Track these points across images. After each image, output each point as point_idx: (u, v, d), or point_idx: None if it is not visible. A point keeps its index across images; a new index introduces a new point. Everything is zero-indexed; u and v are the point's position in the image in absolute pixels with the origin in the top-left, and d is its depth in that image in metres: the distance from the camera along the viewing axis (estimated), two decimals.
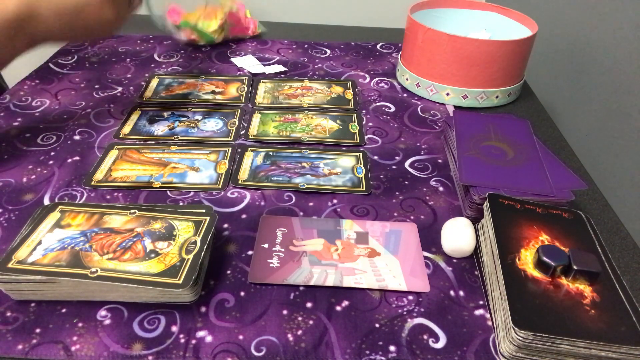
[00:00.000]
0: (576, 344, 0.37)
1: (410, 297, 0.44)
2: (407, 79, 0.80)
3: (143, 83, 0.78)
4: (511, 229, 0.46)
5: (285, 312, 0.42)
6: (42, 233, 0.44)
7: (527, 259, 0.43)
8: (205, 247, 0.44)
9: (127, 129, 0.66)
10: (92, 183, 0.56)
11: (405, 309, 0.43)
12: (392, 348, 0.40)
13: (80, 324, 0.40)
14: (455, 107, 0.76)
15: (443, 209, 0.55)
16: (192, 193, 0.55)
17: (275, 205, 0.54)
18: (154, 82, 0.78)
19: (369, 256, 0.48)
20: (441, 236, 0.50)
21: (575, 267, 0.41)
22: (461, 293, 0.45)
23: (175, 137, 0.65)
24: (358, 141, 0.66)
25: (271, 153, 0.63)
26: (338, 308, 0.43)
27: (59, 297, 0.42)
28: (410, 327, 0.42)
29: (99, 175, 0.57)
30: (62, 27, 0.54)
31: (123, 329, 0.40)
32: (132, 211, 0.47)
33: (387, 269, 0.47)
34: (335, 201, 0.55)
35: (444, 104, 0.77)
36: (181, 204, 0.53)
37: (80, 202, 0.53)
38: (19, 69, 1.11)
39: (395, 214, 0.54)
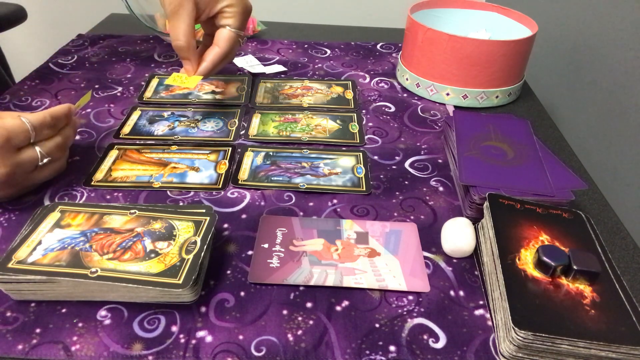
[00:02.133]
0: (576, 344, 0.37)
1: (410, 297, 0.44)
2: (407, 79, 0.80)
3: (143, 83, 0.78)
4: (511, 229, 0.46)
5: (285, 312, 0.42)
6: (42, 233, 0.44)
7: (527, 259, 0.43)
8: (205, 247, 0.44)
9: (127, 129, 0.66)
10: (92, 183, 0.56)
11: (405, 309, 0.43)
12: (392, 348, 0.40)
13: (80, 324, 0.40)
14: (455, 107, 0.76)
15: (443, 209, 0.55)
16: (192, 193, 0.55)
17: (275, 205, 0.54)
18: (154, 82, 0.78)
19: (369, 256, 0.48)
20: (441, 236, 0.50)
21: (575, 267, 0.41)
22: (461, 293, 0.45)
23: (175, 137, 0.65)
24: (358, 141, 0.66)
25: (271, 153, 0.63)
26: (338, 308, 0.43)
27: (59, 297, 0.42)
28: (410, 327, 0.42)
29: (99, 175, 0.57)
30: None
31: (123, 329, 0.40)
32: (132, 211, 0.47)
33: (387, 269, 0.47)
34: (335, 201, 0.55)
35: (444, 104, 0.77)
36: (181, 204, 0.53)
37: (80, 202, 0.53)
38: (19, 69, 1.11)
39: (395, 214, 0.54)
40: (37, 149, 0.50)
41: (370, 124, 0.71)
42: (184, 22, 0.59)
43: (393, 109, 0.75)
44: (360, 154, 0.63)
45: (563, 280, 0.41)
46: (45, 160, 0.50)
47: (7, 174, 0.47)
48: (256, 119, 0.70)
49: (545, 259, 0.41)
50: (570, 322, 0.38)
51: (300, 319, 0.42)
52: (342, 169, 0.60)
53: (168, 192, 0.55)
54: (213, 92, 0.76)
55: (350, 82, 0.81)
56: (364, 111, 0.74)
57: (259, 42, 0.95)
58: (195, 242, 0.44)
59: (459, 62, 0.73)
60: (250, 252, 0.48)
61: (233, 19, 0.62)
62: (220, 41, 0.62)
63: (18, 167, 0.48)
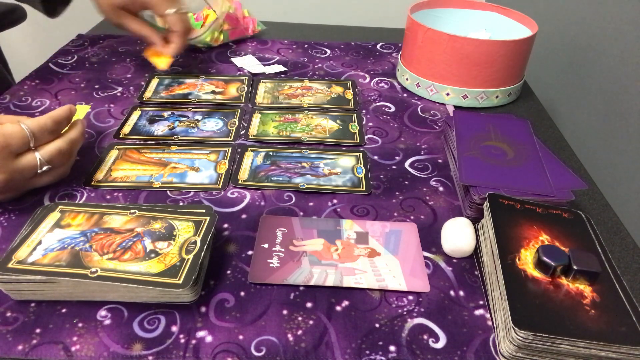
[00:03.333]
0: (576, 344, 0.37)
1: (410, 297, 0.44)
2: (407, 79, 0.80)
3: (143, 83, 0.78)
4: (511, 229, 0.46)
5: (285, 312, 0.42)
6: (42, 233, 0.44)
7: (527, 259, 0.43)
8: (205, 247, 0.44)
9: (127, 129, 0.66)
10: (92, 183, 0.56)
11: (405, 309, 0.43)
12: (392, 348, 0.40)
13: (80, 324, 0.40)
14: (455, 107, 0.76)
15: (443, 209, 0.55)
16: (192, 193, 0.55)
17: (275, 205, 0.54)
18: (154, 82, 0.78)
19: (369, 256, 0.48)
20: (441, 236, 0.50)
21: (575, 267, 0.41)
22: (461, 293, 0.45)
23: (175, 137, 0.65)
24: (358, 141, 0.66)
25: (271, 153, 0.63)
26: (338, 308, 0.43)
27: (59, 297, 0.42)
28: (410, 327, 0.42)
29: (99, 175, 0.57)
30: None
31: (123, 329, 0.40)
32: (132, 211, 0.47)
33: (387, 269, 0.47)
34: (335, 201, 0.55)
35: (444, 104, 0.77)
36: (181, 204, 0.53)
37: (80, 202, 0.53)
38: (18, 69, 1.11)
39: (395, 214, 0.54)
40: (38, 156, 0.49)
41: (370, 124, 0.71)
42: (131, 22, 0.75)
43: (393, 109, 0.75)
44: (360, 154, 0.63)
45: (563, 280, 0.41)
46: (45, 168, 0.50)
47: (5, 180, 0.47)
48: (256, 119, 0.70)
49: (545, 259, 0.41)
50: (570, 322, 0.38)
51: (300, 319, 0.42)
52: (342, 169, 0.60)
53: (168, 192, 0.55)
54: (213, 92, 0.76)
55: (350, 82, 0.81)
56: (364, 111, 0.74)
57: (259, 42, 0.95)
58: (195, 242, 0.44)
59: (459, 62, 0.73)
60: (250, 252, 0.48)
61: (161, 5, 0.74)
62: (172, 24, 0.75)
63: (16, 173, 0.48)
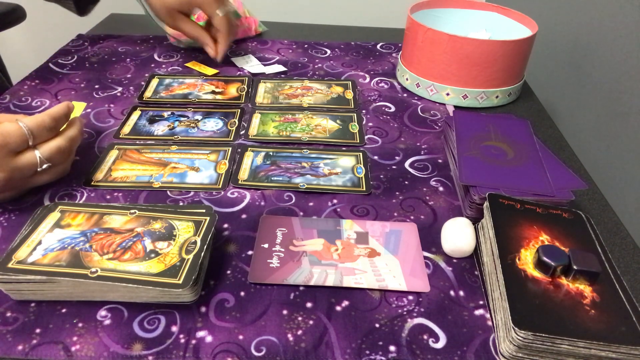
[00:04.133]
0: (576, 344, 0.37)
1: (410, 297, 0.44)
2: (407, 79, 0.80)
3: (143, 83, 0.78)
4: (511, 229, 0.46)
5: (285, 312, 0.42)
6: (42, 233, 0.44)
7: (527, 259, 0.43)
8: (205, 247, 0.44)
9: (127, 129, 0.66)
10: (92, 183, 0.56)
11: (405, 309, 0.43)
12: (392, 348, 0.40)
13: (80, 324, 0.40)
14: (455, 107, 0.76)
15: (443, 209, 0.55)
16: (192, 193, 0.55)
17: (275, 205, 0.54)
18: (154, 82, 0.78)
19: (369, 256, 0.48)
20: (441, 236, 0.50)
21: (575, 267, 0.41)
22: (461, 293, 0.45)
23: (175, 137, 0.65)
24: (358, 141, 0.66)
25: (271, 153, 0.63)
26: (338, 308, 0.43)
27: (59, 297, 0.42)
28: (410, 327, 0.42)
29: (99, 175, 0.57)
30: None
31: (123, 329, 0.40)
32: (132, 211, 0.47)
33: (387, 269, 0.47)
34: (335, 201, 0.55)
35: (444, 104, 0.77)
36: (181, 204, 0.53)
37: (80, 202, 0.53)
38: (18, 69, 1.11)
39: (395, 214, 0.54)
40: (37, 154, 0.49)
41: (370, 124, 0.71)
42: (186, 24, 0.80)
43: (393, 109, 0.75)
44: (360, 154, 0.63)
45: (563, 280, 0.41)
46: (44, 166, 0.50)
47: (4, 178, 0.47)
48: (256, 119, 0.70)
49: (545, 259, 0.41)
50: (570, 322, 0.38)
51: (300, 319, 0.42)
52: (342, 169, 0.60)
53: (168, 192, 0.55)
54: (213, 92, 0.76)
55: (350, 82, 0.81)
56: (364, 111, 0.74)
57: (259, 42, 0.95)
58: (195, 242, 0.44)
59: (459, 62, 0.73)
60: (250, 252, 0.48)
61: (211, 7, 0.78)
62: (219, 25, 0.80)
63: (16, 171, 0.48)
